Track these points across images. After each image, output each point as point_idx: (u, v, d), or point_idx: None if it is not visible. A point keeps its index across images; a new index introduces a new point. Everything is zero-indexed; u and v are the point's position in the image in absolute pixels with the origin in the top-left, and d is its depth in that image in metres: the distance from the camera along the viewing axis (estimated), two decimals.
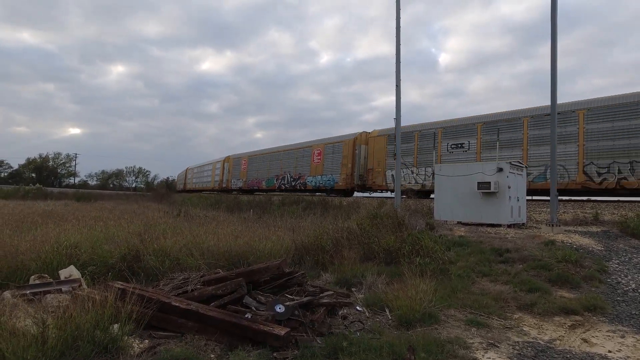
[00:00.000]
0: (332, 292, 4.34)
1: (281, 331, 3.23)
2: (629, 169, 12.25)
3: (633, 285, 5.40)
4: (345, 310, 4.24)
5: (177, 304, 3.43)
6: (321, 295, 4.14)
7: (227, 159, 34.99)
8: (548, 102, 10.15)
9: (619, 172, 12.46)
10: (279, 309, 3.61)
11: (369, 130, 21.77)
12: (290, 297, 3.99)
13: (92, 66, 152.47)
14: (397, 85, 10.30)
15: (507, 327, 3.92)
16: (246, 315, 3.50)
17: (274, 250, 5.87)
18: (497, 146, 13.77)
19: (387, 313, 4.17)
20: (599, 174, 12.84)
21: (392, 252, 5.89)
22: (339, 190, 21.68)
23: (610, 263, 6.41)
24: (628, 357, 3.29)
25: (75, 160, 78.19)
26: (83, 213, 11.05)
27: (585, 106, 13.53)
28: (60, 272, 4.31)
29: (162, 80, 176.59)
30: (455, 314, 4.21)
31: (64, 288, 3.92)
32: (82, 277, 4.30)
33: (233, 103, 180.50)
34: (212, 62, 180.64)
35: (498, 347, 3.42)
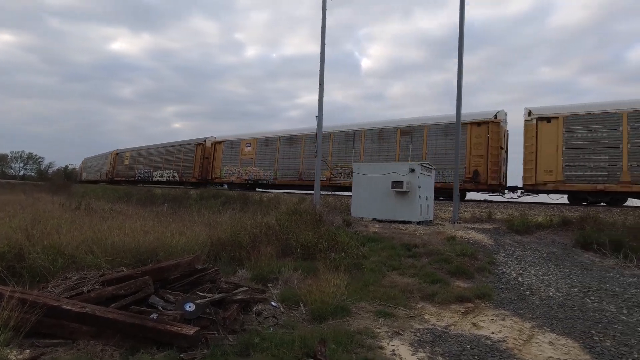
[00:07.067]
0: (247, 288, 4.26)
1: (190, 331, 3.08)
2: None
3: (514, 275, 6.22)
4: (260, 306, 4.19)
5: (68, 307, 3.06)
6: (235, 291, 4.04)
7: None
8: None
9: None
10: (189, 307, 3.44)
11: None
12: (202, 294, 3.82)
13: None
14: (320, 84, 10.50)
15: (411, 316, 4.23)
16: (152, 316, 3.26)
17: (188, 246, 5.59)
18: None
19: (302, 307, 4.22)
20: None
21: (309, 248, 5.98)
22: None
23: (498, 256, 7.29)
24: (506, 336, 3.78)
25: None
26: None
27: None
28: None
29: (64, 56, 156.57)
30: (366, 306, 4.42)
31: None
32: None
33: (150, 89, 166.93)
34: (126, 43, 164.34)
35: (402, 335, 3.67)
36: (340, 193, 17.82)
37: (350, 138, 19.18)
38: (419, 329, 3.84)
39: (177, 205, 12.41)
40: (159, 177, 30.75)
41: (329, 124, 19.20)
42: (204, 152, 26.84)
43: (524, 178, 14.85)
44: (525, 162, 14.78)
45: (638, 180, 12.71)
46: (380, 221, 10.07)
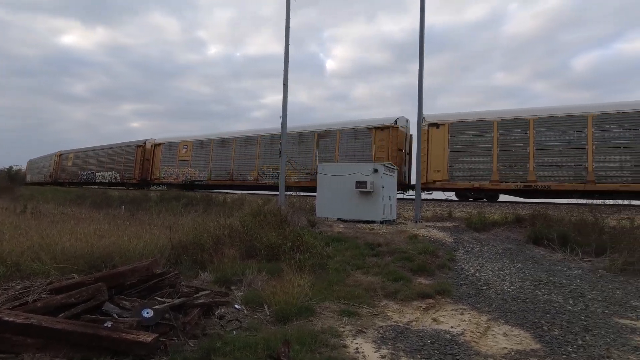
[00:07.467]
0: (209, 292, 4.15)
1: (147, 338, 2.95)
2: None
3: (472, 271, 6.48)
4: (222, 310, 4.10)
5: (10, 319, 2.84)
6: (196, 295, 3.92)
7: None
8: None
9: None
10: (147, 313, 3.30)
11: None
12: (161, 299, 3.68)
13: None
14: (284, 84, 10.45)
15: (374, 314, 4.29)
16: (105, 324, 3.10)
17: (147, 250, 5.38)
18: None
19: (266, 309, 4.17)
20: None
21: (273, 249, 5.93)
22: None
23: (457, 253, 7.57)
24: (464, 330, 3.93)
25: None
26: None
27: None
28: None
29: (8, 49, 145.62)
30: (330, 305, 4.43)
31: None
32: None
33: (106, 86, 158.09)
34: (78, 37, 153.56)
35: (365, 332, 3.72)
36: (266, 192, 20.06)
37: (275, 141, 20.50)
38: (382, 327, 3.90)
39: (135, 208, 11.90)
40: (102, 178, 31.08)
41: (260, 127, 21.17)
42: (144, 153, 27.56)
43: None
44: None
45: (504, 179, 14.87)
46: (344, 221, 10.16)
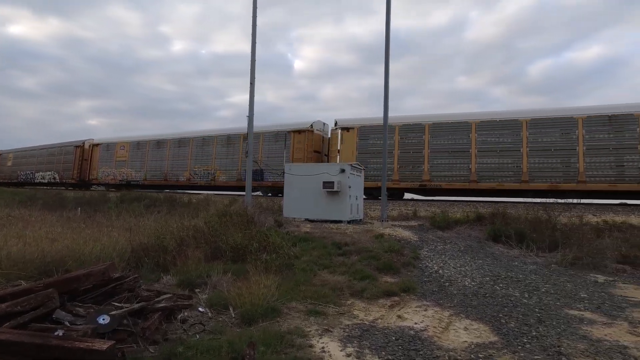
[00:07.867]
0: (171, 295, 4.00)
1: (103, 345, 2.79)
2: None
3: (436, 268, 6.67)
4: (185, 313, 3.97)
5: None
6: (157, 299, 3.77)
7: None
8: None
9: None
10: (103, 320, 3.13)
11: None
12: (119, 305, 3.51)
13: None
14: (251, 83, 10.31)
15: (340, 313, 4.31)
16: (56, 333, 2.91)
17: (104, 253, 5.14)
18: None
19: (231, 311, 4.09)
20: None
21: (239, 250, 5.83)
22: None
23: (422, 251, 7.77)
24: (427, 325, 4.03)
25: None
26: None
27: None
28: None
29: None
30: (297, 305, 4.41)
31: None
32: None
33: (60, 80, 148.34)
34: (28, 27, 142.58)
35: (331, 331, 3.73)
36: (198, 192, 21.34)
37: (206, 143, 21.86)
38: (348, 325, 3.93)
39: (92, 210, 11.33)
40: (41, 178, 31.03)
41: (195, 129, 22.50)
42: (83, 154, 27.99)
43: None
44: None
45: (404, 179, 16.43)
46: (312, 221, 10.16)
